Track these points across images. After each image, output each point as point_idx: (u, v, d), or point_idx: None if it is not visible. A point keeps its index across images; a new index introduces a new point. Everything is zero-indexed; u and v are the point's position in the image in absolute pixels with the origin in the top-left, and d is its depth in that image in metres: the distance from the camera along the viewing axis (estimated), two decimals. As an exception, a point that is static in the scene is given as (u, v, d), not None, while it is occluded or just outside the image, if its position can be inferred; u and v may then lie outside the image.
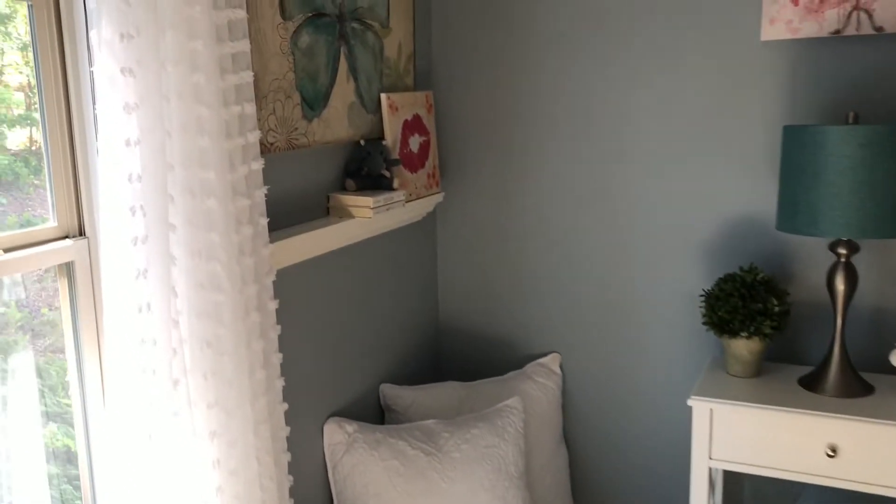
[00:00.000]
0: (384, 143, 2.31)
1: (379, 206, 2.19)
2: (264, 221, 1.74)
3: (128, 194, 1.41)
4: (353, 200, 2.18)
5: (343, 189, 2.26)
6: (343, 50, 2.20)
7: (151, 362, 1.46)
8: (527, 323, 2.75)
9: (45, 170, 1.60)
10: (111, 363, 1.47)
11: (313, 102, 2.08)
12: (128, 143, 1.40)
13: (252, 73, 1.67)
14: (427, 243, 2.78)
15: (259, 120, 1.85)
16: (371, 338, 2.47)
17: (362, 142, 2.28)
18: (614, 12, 2.46)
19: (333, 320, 2.27)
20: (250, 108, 1.67)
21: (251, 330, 1.67)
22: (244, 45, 1.64)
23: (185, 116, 1.50)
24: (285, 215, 2.02)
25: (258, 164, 1.71)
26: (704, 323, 2.27)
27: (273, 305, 1.78)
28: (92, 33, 1.40)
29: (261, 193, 1.72)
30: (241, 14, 1.63)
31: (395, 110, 2.40)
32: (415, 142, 2.49)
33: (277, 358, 1.81)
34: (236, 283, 1.60)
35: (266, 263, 1.75)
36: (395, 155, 2.36)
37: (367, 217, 2.17)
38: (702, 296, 2.36)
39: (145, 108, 1.42)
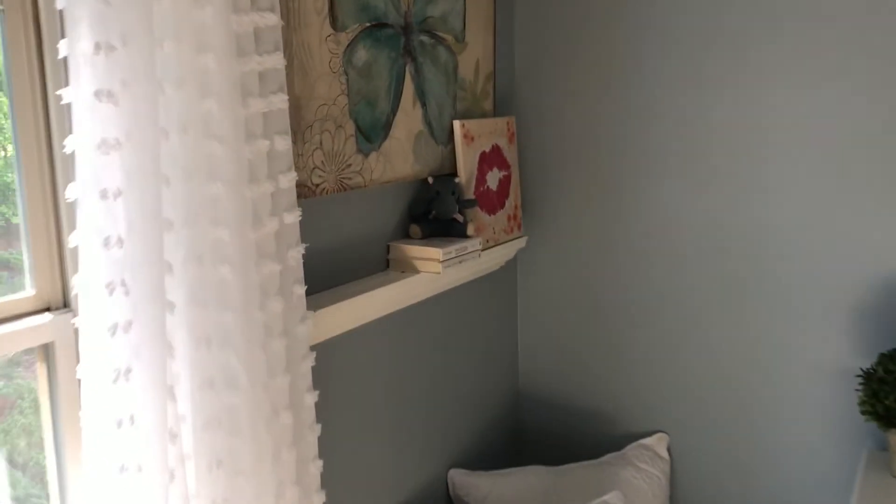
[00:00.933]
0: (457, 180, 1.99)
1: (450, 259, 1.85)
2: (301, 290, 1.35)
3: (103, 265, 1.02)
4: (418, 251, 1.84)
5: (407, 237, 1.93)
6: (409, 68, 1.83)
7: (134, 496, 1.06)
8: (626, 395, 2.31)
9: (21, 221, 1.23)
10: (92, 495, 1.08)
11: (371, 133, 1.71)
12: (104, 196, 1.01)
13: (286, 97, 1.30)
14: (506, 297, 2.39)
15: (300, 156, 1.50)
16: (438, 413, 2.11)
17: (430, 179, 1.94)
18: (746, 13, 1.99)
19: (391, 395, 1.91)
20: (283, 143, 1.29)
21: (280, 436, 1.27)
22: (276, 61, 1.27)
23: (189, 156, 1.13)
24: (334, 273, 1.68)
25: (293, 216, 1.32)
26: (864, 412, 1.78)
27: (311, 398, 1.39)
28: (61, 43, 1.02)
29: (296, 254, 1.34)
30: (273, 20, 1.25)
31: (471, 140, 2.02)
32: (493, 177, 2.11)
33: (317, 466, 1.41)
34: (259, 377, 1.21)
35: (303, 344, 1.36)
36: (470, 194, 2.04)
37: (435, 272, 1.80)
38: (860, 376, 1.85)
39: (132, 145, 1.04)
